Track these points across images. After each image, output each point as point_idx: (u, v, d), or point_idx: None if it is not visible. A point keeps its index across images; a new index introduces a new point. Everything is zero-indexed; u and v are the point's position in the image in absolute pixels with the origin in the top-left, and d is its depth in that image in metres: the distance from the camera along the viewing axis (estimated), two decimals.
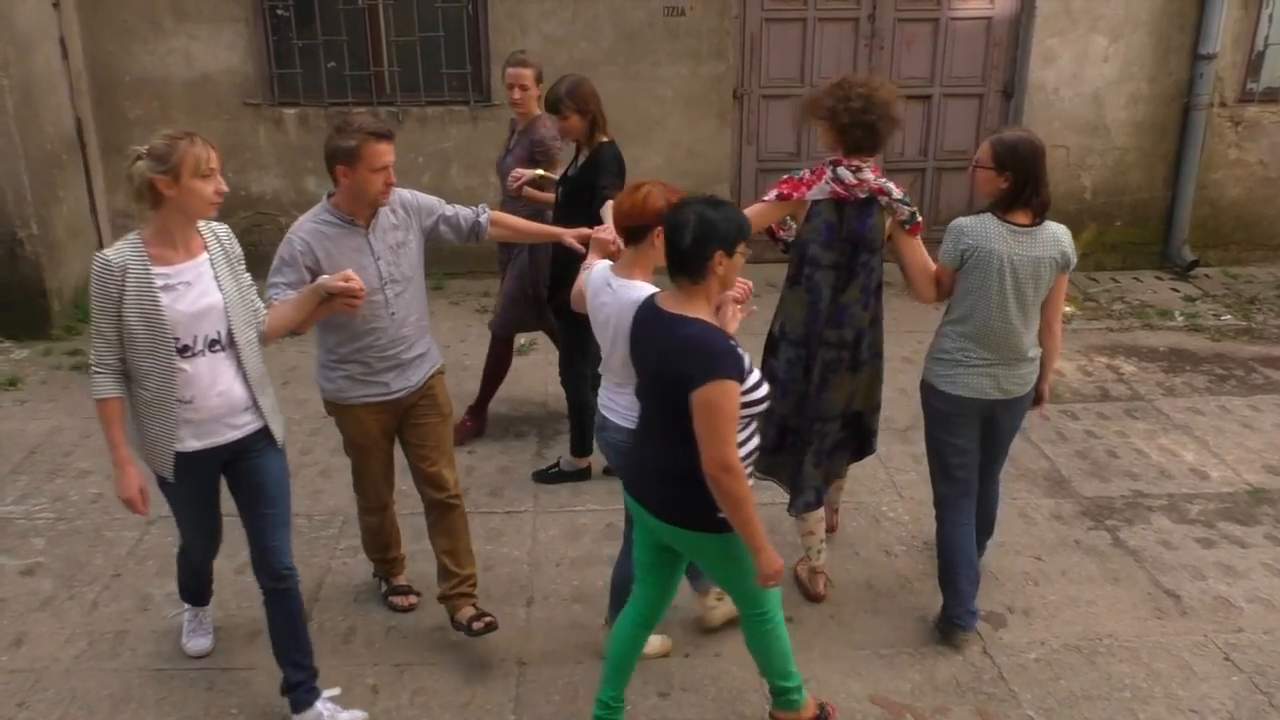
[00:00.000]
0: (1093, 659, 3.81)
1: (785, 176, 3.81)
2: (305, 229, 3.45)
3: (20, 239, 6.43)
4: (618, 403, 3.37)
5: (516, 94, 4.98)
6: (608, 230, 3.63)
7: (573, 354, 4.86)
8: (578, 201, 4.50)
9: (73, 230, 6.94)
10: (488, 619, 3.73)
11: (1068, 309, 7.20)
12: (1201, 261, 7.86)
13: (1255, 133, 7.80)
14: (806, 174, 3.75)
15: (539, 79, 5.00)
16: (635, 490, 3.11)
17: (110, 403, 3.10)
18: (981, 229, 3.60)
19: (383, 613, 4.05)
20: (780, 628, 3.25)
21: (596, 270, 3.42)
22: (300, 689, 3.41)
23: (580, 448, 4.95)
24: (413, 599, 4.05)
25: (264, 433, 3.29)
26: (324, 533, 4.57)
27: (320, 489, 4.87)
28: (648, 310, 3.01)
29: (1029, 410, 3.92)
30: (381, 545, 4.04)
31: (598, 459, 5.06)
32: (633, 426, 3.23)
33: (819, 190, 3.70)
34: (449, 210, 3.76)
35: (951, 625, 3.87)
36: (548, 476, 4.98)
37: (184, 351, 3.07)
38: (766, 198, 3.78)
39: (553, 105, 4.54)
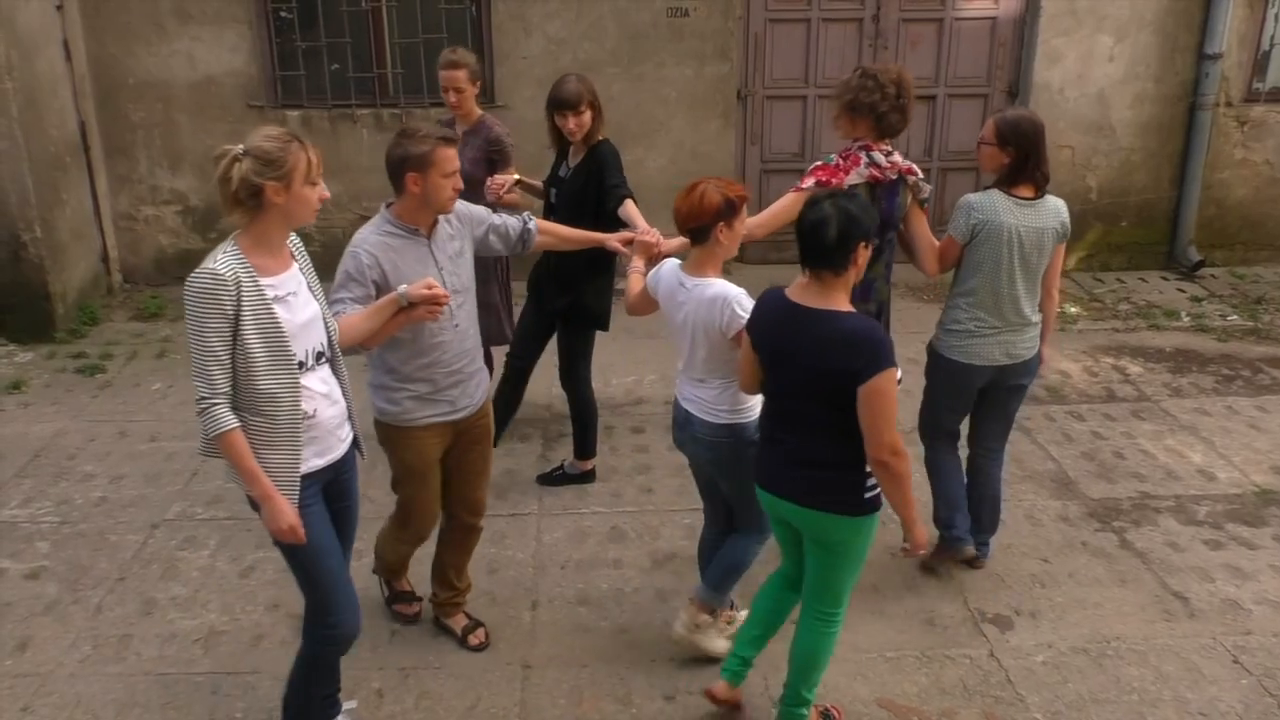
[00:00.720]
0: (1100, 662, 3.79)
1: (817, 164, 3.93)
2: (370, 241, 3.30)
3: (24, 241, 6.43)
4: (703, 397, 3.40)
5: (452, 97, 4.80)
6: (650, 232, 3.83)
7: (575, 358, 4.83)
8: (580, 202, 4.45)
9: (76, 233, 6.94)
10: (481, 636, 3.85)
11: (1072, 310, 7.19)
12: (1207, 262, 7.84)
13: (1261, 132, 7.78)
14: (839, 160, 3.91)
15: (474, 78, 4.84)
16: (774, 483, 3.17)
17: (235, 433, 2.77)
18: (990, 204, 3.86)
19: (386, 617, 4.03)
20: (837, 637, 3.30)
21: (666, 271, 3.47)
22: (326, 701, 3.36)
23: (584, 450, 4.93)
24: (416, 607, 4.03)
25: (355, 444, 3.19)
26: None
27: None
28: (782, 306, 3.04)
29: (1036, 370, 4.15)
30: (402, 568, 4.01)
31: (602, 461, 5.05)
32: (720, 420, 3.35)
33: (857, 175, 3.87)
34: (498, 219, 3.68)
35: (953, 542, 4.11)
36: (552, 479, 4.96)
37: (299, 367, 2.88)
38: (803, 186, 3.84)
39: (573, 102, 4.38)
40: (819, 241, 2.93)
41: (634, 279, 3.66)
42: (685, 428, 3.49)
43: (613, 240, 3.96)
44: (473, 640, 3.83)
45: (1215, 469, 5.13)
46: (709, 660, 3.70)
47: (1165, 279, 7.83)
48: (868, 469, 3.01)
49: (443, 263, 3.40)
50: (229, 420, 2.76)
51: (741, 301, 3.23)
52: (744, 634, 3.49)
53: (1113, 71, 7.54)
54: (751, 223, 3.68)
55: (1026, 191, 3.86)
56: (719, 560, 3.65)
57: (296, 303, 2.88)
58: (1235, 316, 7.10)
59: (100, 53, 7.13)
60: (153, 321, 6.98)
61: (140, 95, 7.21)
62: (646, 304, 3.61)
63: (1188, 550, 4.47)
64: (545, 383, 6.03)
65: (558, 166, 4.67)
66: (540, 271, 4.81)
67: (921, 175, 4.04)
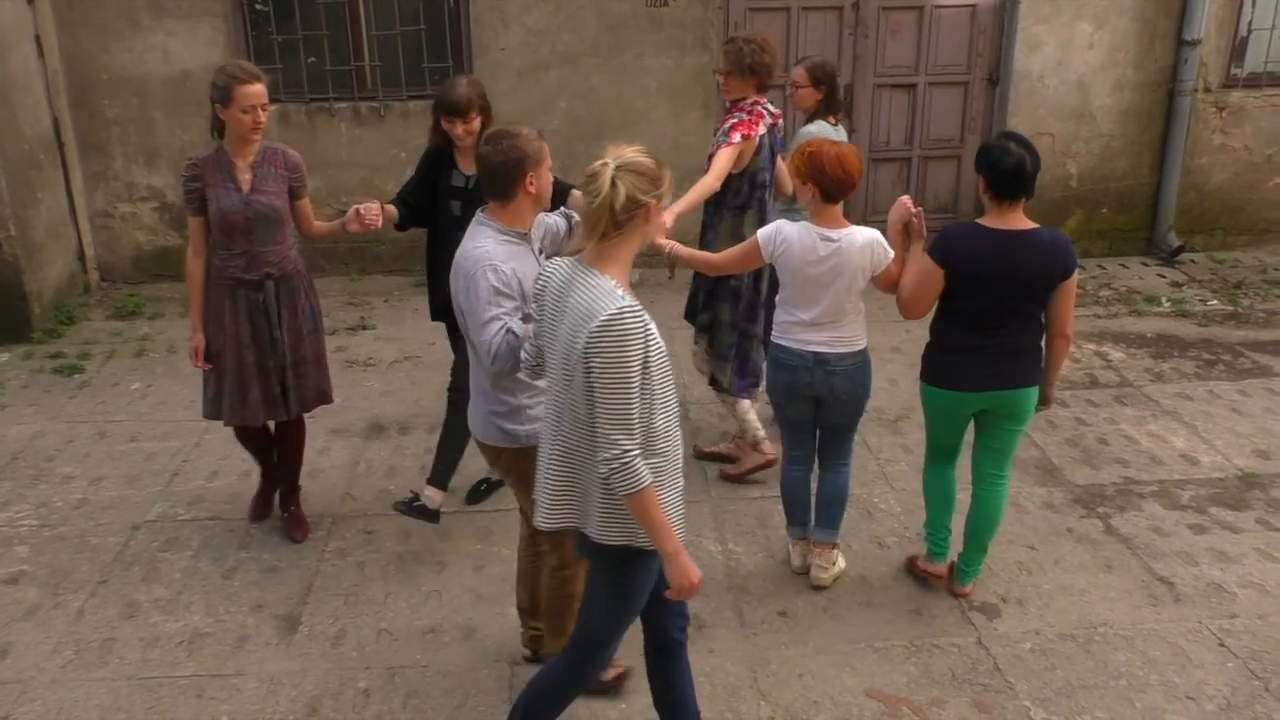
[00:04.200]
0: (1088, 648, 3.81)
1: (732, 122, 4.46)
2: (499, 253, 3.10)
3: None
4: (842, 335, 3.82)
5: (261, 116, 4.00)
6: (669, 214, 3.97)
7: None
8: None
9: (52, 231, 6.86)
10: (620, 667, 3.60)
11: None
12: (1187, 247, 7.87)
13: (1240, 118, 7.81)
14: (745, 116, 4.47)
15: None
16: (982, 381, 3.77)
17: (652, 488, 2.58)
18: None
19: (373, 615, 4.01)
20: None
21: (792, 230, 3.76)
22: None
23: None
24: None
25: None
26: (312, 535, 4.51)
27: (307, 490, 4.81)
28: (993, 234, 3.66)
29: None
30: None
31: None
32: (859, 347, 3.86)
33: (763, 125, 4.51)
34: (549, 218, 3.57)
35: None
36: (479, 494, 4.75)
37: None
38: (733, 142, 4.41)
39: (462, 108, 4.04)
40: (1024, 175, 3.61)
41: (750, 242, 3.92)
42: (817, 369, 3.84)
43: None
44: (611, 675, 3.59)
45: (1198, 453, 5.15)
46: (703, 655, 3.68)
47: (1146, 265, 7.86)
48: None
49: (540, 264, 3.23)
50: (649, 474, 2.57)
51: (885, 242, 3.77)
52: (936, 519, 4.12)
53: (1092, 58, 7.55)
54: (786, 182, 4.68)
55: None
56: (829, 502, 4.11)
57: None
58: (1215, 301, 7.13)
59: (74, 48, 7.04)
60: (131, 320, 6.91)
61: (115, 91, 7.12)
62: (747, 263, 4.02)
63: (1172, 535, 4.49)
64: None
65: (445, 175, 4.23)
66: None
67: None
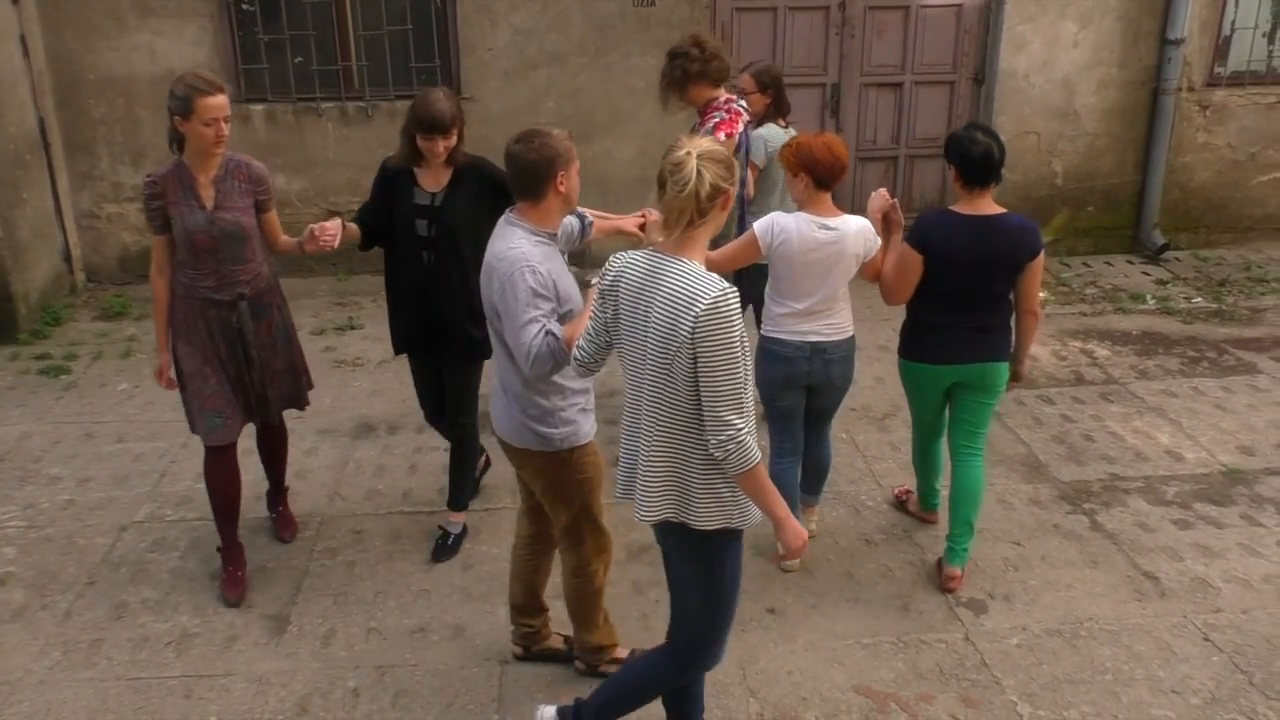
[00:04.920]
0: (1074, 643, 3.83)
1: (715, 121, 4.49)
2: (535, 255, 3.06)
3: None
4: (836, 322, 3.94)
5: (224, 130, 3.73)
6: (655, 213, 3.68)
7: (474, 395, 4.29)
8: (476, 225, 3.84)
9: (38, 231, 6.83)
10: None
11: (1041, 294, 7.23)
12: (1172, 245, 7.92)
13: (1223, 116, 7.86)
14: (725, 115, 4.52)
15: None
16: (957, 355, 3.99)
17: (761, 463, 2.69)
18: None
19: (362, 615, 4.01)
20: None
21: (788, 221, 3.82)
22: None
23: (468, 497, 4.56)
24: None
25: None
26: (300, 535, 4.51)
27: (296, 490, 4.81)
28: (967, 220, 3.85)
29: None
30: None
31: None
32: (851, 333, 3.98)
33: (742, 121, 4.58)
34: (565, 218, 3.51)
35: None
36: (448, 549, 4.44)
37: None
38: (721, 139, 4.36)
39: (446, 124, 3.82)
40: (992, 163, 3.81)
41: (748, 235, 3.98)
42: (815, 358, 3.93)
43: (630, 222, 3.86)
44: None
45: (1183, 450, 5.19)
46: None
47: (1131, 263, 7.91)
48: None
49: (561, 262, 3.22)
50: (758, 450, 2.66)
51: (874, 230, 3.89)
52: (927, 481, 4.48)
53: (1077, 57, 7.60)
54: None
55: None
56: (819, 474, 4.34)
57: None
58: (1200, 299, 7.18)
59: (59, 48, 7.01)
60: (117, 321, 6.88)
61: (101, 91, 7.10)
62: (744, 258, 4.01)
63: (1157, 530, 4.52)
64: None
65: (404, 195, 3.99)
66: (434, 315, 4.10)
67: None
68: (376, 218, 4.09)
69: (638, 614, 3.95)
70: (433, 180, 3.96)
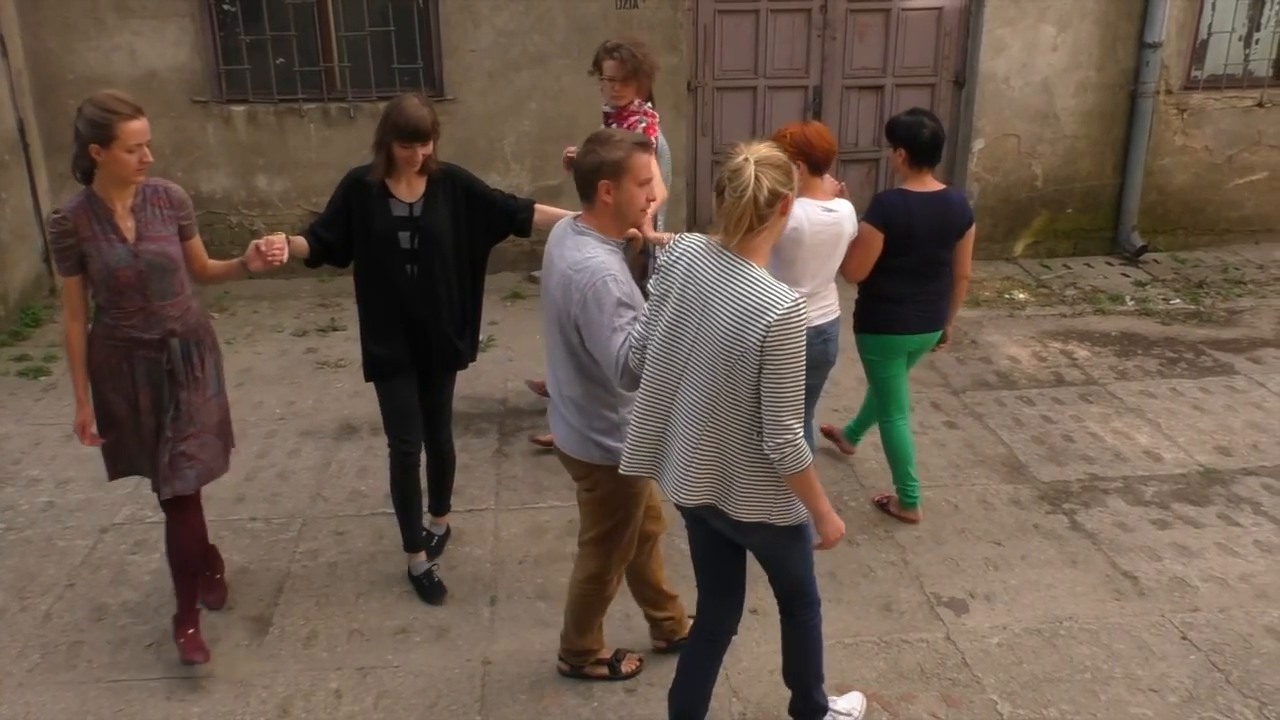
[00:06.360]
0: (1054, 641, 3.86)
1: (643, 125, 4.55)
2: (613, 263, 3.05)
3: None
4: (830, 303, 4.17)
5: (148, 155, 3.40)
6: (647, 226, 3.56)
7: (449, 407, 4.22)
8: (457, 235, 3.83)
9: (17, 233, 6.79)
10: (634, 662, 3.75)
11: (1021, 295, 7.30)
12: (1151, 247, 7.99)
13: (1200, 119, 7.93)
14: (647, 120, 4.61)
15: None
16: (922, 325, 4.33)
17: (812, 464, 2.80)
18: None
19: (344, 616, 4.00)
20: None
21: (796, 207, 3.77)
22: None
23: (447, 503, 4.46)
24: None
25: None
26: (283, 535, 4.50)
27: (278, 492, 4.80)
28: (923, 197, 4.17)
29: None
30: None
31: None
32: (836, 315, 4.19)
33: (657, 125, 4.69)
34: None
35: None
36: (436, 548, 4.41)
37: None
38: (653, 140, 4.50)
39: (426, 131, 3.66)
40: (938, 144, 4.16)
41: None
42: (817, 340, 3.90)
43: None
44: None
45: (1161, 450, 5.24)
46: (675, 654, 3.72)
47: (1110, 264, 7.97)
48: None
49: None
50: (809, 452, 2.75)
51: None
52: (902, 471, 4.57)
53: (1056, 61, 7.65)
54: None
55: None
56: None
57: None
58: (1178, 300, 7.24)
59: (38, 48, 6.96)
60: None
61: (81, 91, 6.99)
62: None
63: (1136, 530, 4.56)
64: (500, 376, 6.02)
65: (377, 209, 3.77)
66: (420, 331, 3.89)
67: None
68: (334, 233, 3.81)
69: (621, 614, 3.95)
70: (407, 190, 3.78)
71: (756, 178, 2.64)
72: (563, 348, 3.18)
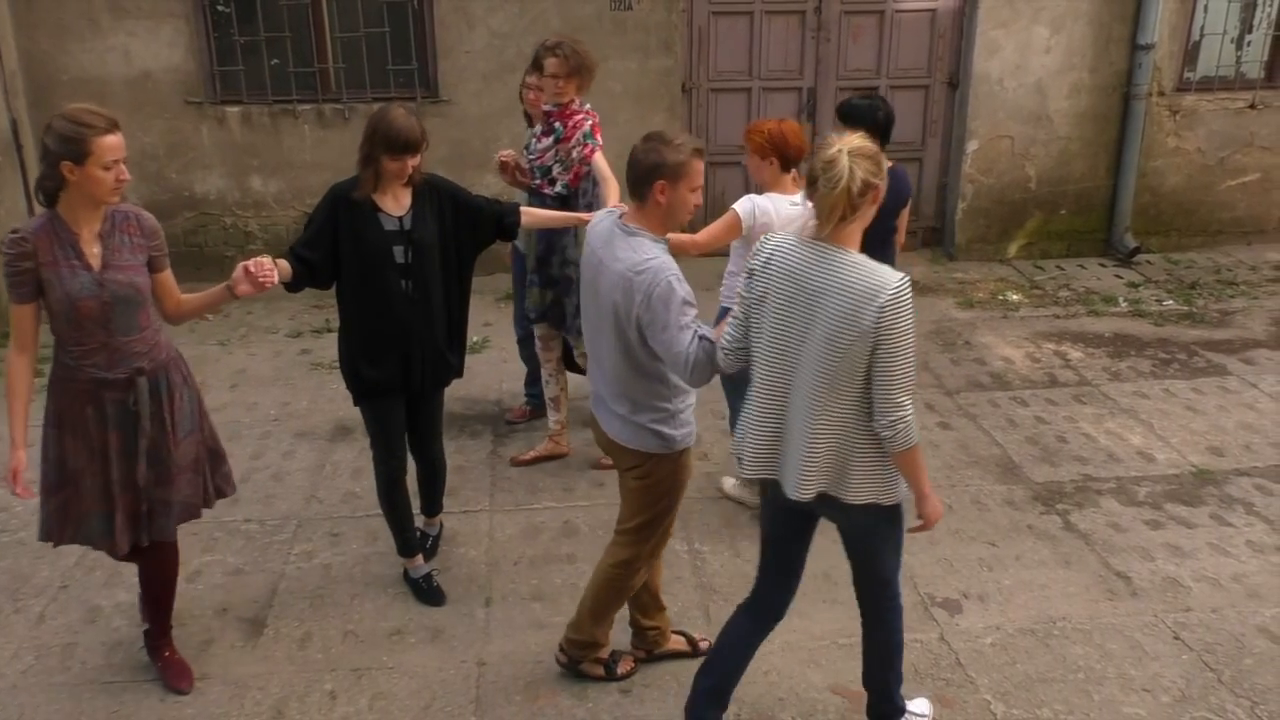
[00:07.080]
0: (1047, 642, 3.87)
1: (590, 124, 4.63)
2: (672, 262, 3.08)
3: None
4: None
5: (125, 173, 3.14)
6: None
7: (440, 418, 4.17)
8: (445, 248, 3.79)
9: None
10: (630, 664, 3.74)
11: (1014, 297, 7.32)
12: (1144, 248, 8.02)
13: (1193, 121, 7.96)
14: (591, 119, 4.66)
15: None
16: None
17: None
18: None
19: (339, 617, 4.00)
20: None
21: (765, 201, 4.14)
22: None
23: (440, 505, 4.42)
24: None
25: None
26: (277, 538, 4.50)
27: (272, 493, 4.80)
28: None
29: None
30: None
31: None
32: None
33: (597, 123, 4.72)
34: None
35: None
36: (431, 548, 4.42)
37: None
38: (600, 144, 4.64)
39: (416, 143, 3.60)
40: (891, 124, 4.35)
41: (740, 210, 4.20)
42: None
43: (579, 218, 4.04)
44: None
45: (1154, 450, 5.25)
46: (664, 659, 3.74)
47: (1103, 265, 7.99)
48: None
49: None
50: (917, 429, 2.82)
51: None
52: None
53: (1049, 62, 7.68)
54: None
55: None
56: None
57: None
58: (1171, 301, 7.26)
59: (32, 49, 6.96)
60: None
61: (75, 92, 7.03)
62: (727, 237, 4.26)
63: (1129, 530, 4.57)
64: (494, 377, 6.02)
65: (365, 225, 3.65)
66: (415, 348, 3.81)
67: None
68: (318, 252, 3.64)
69: (621, 615, 3.95)
70: (395, 203, 3.68)
71: (850, 169, 2.70)
72: (616, 346, 3.19)
